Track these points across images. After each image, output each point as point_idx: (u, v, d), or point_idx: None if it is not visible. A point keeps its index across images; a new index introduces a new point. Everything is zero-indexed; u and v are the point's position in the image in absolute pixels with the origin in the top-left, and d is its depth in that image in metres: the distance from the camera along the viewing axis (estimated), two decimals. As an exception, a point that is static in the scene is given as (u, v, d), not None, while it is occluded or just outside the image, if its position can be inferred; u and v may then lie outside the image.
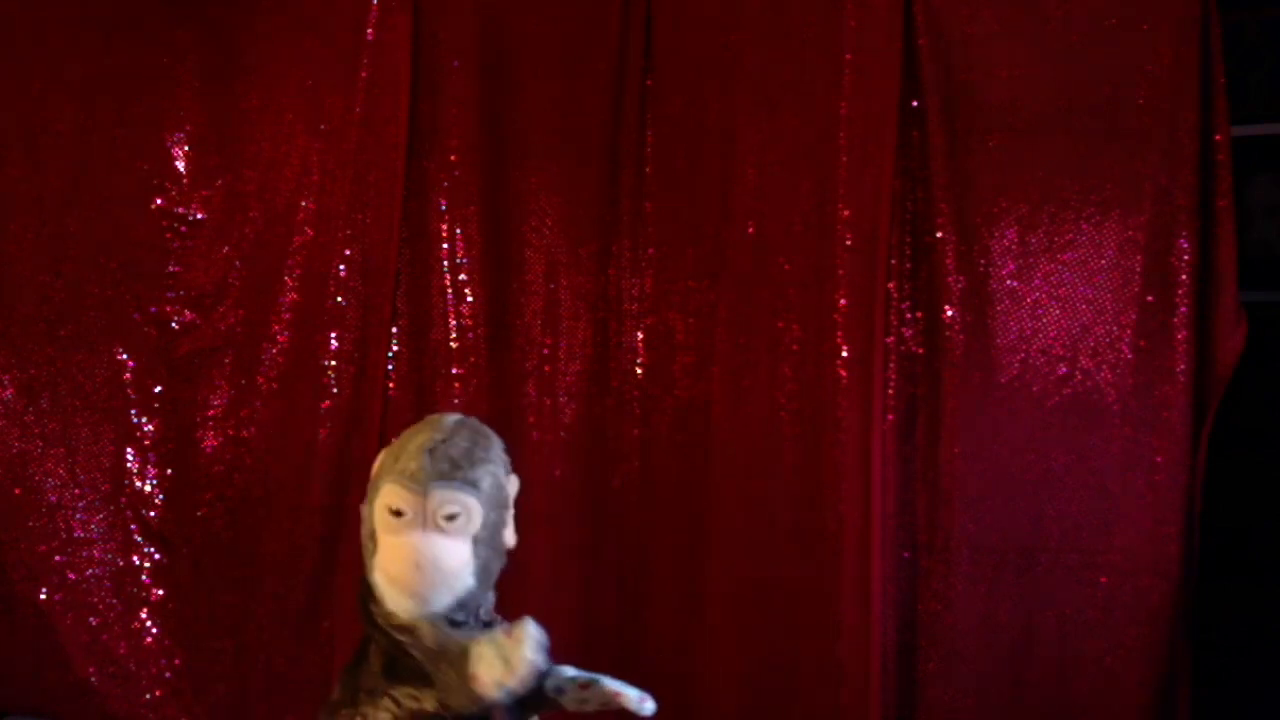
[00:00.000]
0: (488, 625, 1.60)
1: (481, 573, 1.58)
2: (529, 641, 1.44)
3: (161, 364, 2.81)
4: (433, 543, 1.53)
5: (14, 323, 2.69)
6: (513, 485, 1.65)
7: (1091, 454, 2.26)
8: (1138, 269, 2.24)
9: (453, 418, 1.67)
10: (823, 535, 2.34)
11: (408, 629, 1.53)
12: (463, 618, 1.57)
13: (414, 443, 1.58)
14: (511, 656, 1.44)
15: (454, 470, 1.54)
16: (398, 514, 1.54)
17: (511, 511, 1.64)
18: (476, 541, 1.57)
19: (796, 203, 2.41)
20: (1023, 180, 2.29)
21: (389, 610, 1.55)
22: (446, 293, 2.63)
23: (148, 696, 2.72)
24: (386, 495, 1.56)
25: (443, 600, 1.55)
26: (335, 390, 2.68)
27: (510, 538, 1.63)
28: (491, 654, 1.45)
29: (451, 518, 1.53)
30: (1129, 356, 2.24)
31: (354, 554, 2.64)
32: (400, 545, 1.54)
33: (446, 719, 1.51)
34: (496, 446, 1.64)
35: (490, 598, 1.64)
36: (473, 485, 1.55)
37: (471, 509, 1.55)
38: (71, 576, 2.70)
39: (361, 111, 2.66)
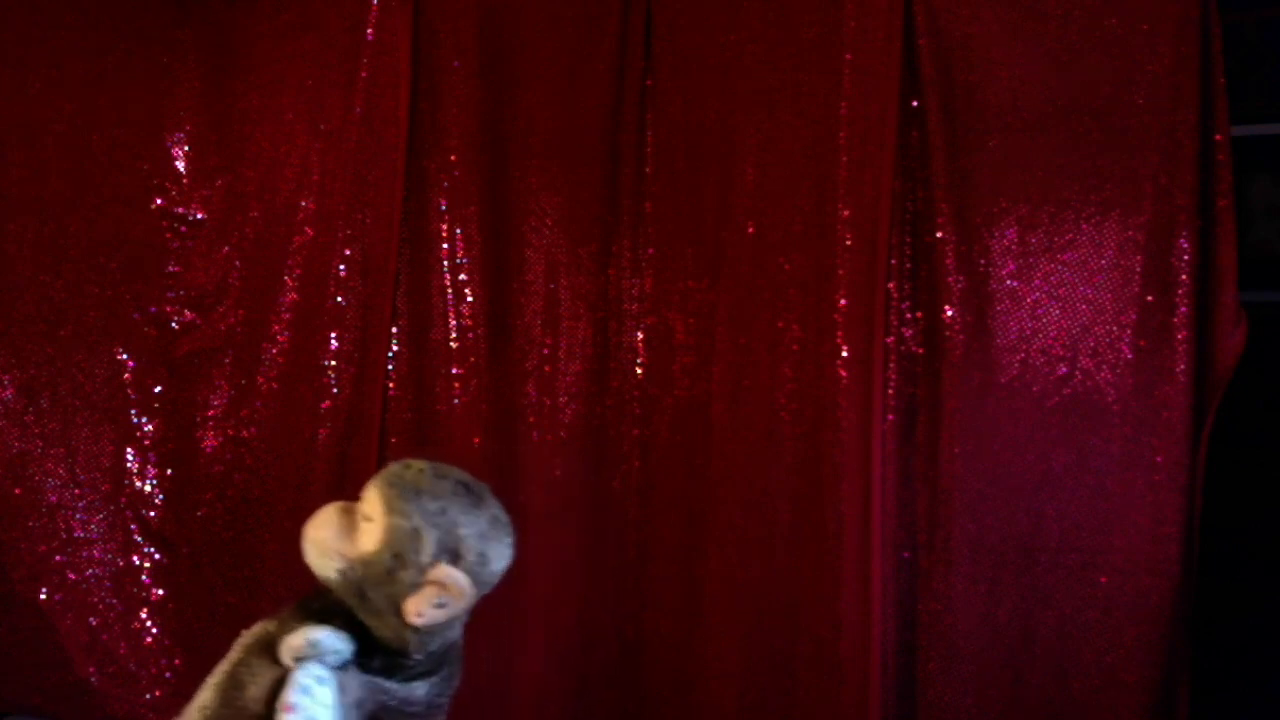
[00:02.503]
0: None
1: (343, 580, 1.54)
2: (288, 645, 1.50)
3: (161, 364, 2.81)
4: (339, 516, 1.58)
5: (14, 323, 2.69)
6: (446, 574, 1.52)
7: (1091, 454, 2.26)
8: (1138, 269, 2.23)
9: (465, 478, 1.60)
10: (823, 535, 2.34)
11: (320, 580, 1.59)
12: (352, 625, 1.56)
13: (428, 464, 1.60)
14: (289, 644, 1.50)
15: (390, 491, 1.55)
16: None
17: (434, 598, 1.52)
18: (357, 557, 1.53)
19: (796, 203, 2.41)
20: (1023, 180, 2.29)
21: None
22: (446, 293, 2.63)
23: (148, 696, 2.72)
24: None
25: (308, 558, 1.58)
26: (335, 390, 2.68)
27: (411, 613, 1.51)
28: (292, 635, 1.51)
29: (367, 518, 1.55)
30: (1129, 356, 2.24)
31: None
32: (334, 504, 1.62)
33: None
34: (459, 521, 1.53)
35: (415, 662, 1.57)
36: (389, 506, 1.53)
37: (373, 527, 1.54)
38: (71, 576, 2.71)
39: (361, 111, 2.66)
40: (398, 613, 1.52)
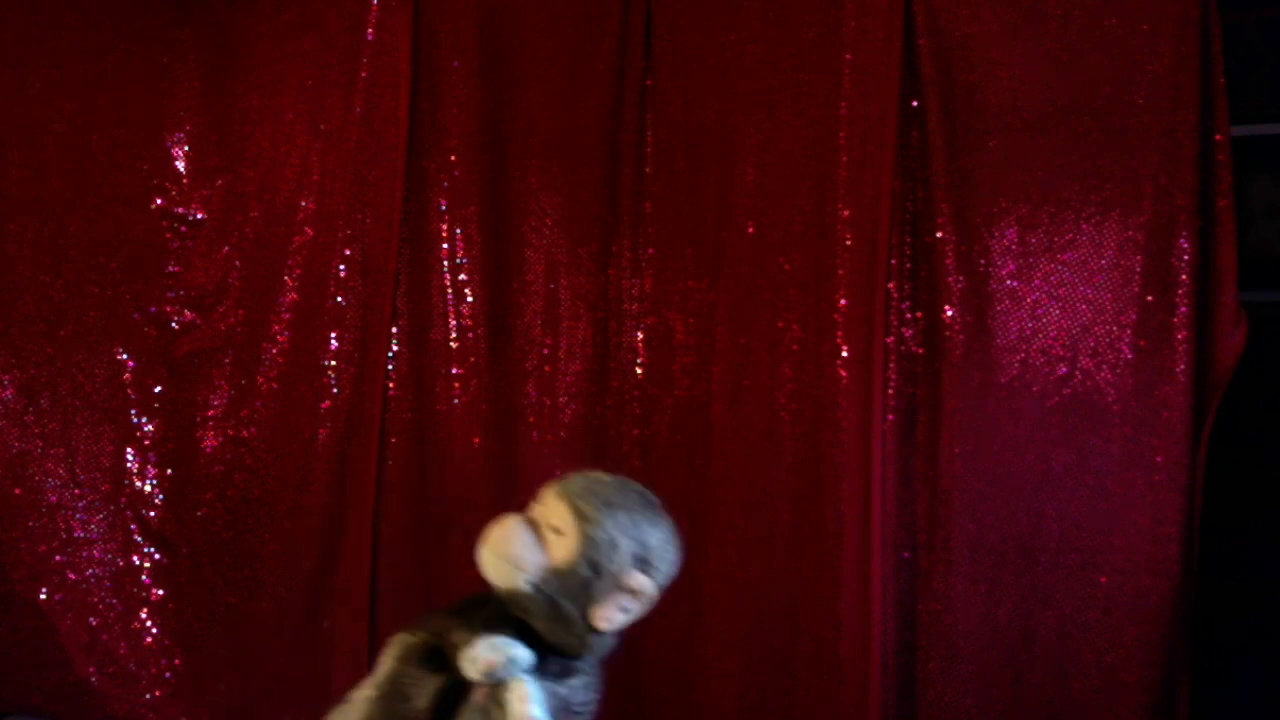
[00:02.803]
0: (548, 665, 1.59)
1: (541, 595, 1.56)
2: (477, 659, 1.51)
3: (161, 364, 2.81)
4: (525, 528, 1.58)
5: (14, 323, 2.69)
6: (638, 581, 1.58)
7: (1091, 454, 2.26)
8: (1138, 269, 2.23)
9: (642, 489, 1.65)
10: (823, 535, 2.34)
11: (504, 592, 1.58)
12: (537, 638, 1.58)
13: (606, 475, 1.65)
14: (479, 658, 1.51)
15: (583, 503, 1.58)
16: (539, 499, 1.62)
17: (623, 603, 1.58)
18: (551, 569, 1.56)
19: (796, 203, 2.41)
20: (1023, 180, 2.29)
21: None
22: (446, 293, 2.63)
23: (148, 696, 2.72)
24: (550, 486, 1.63)
25: (486, 570, 1.58)
26: (335, 390, 2.68)
27: (601, 620, 1.58)
28: (477, 648, 1.52)
29: (555, 530, 1.58)
30: (1129, 356, 2.24)
31: (354, 553, 2.66)
32: (511, 517, 1.61)
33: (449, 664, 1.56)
34: (647, 532, 1.59)
35: (580, 664, 1.62)
36: (585, 518, 1.56)
37: (567, 539, 1.56)
38: (71, 576, 2.71)
39: (361, 111, 2.66)
40: (586, 620, 1.58)
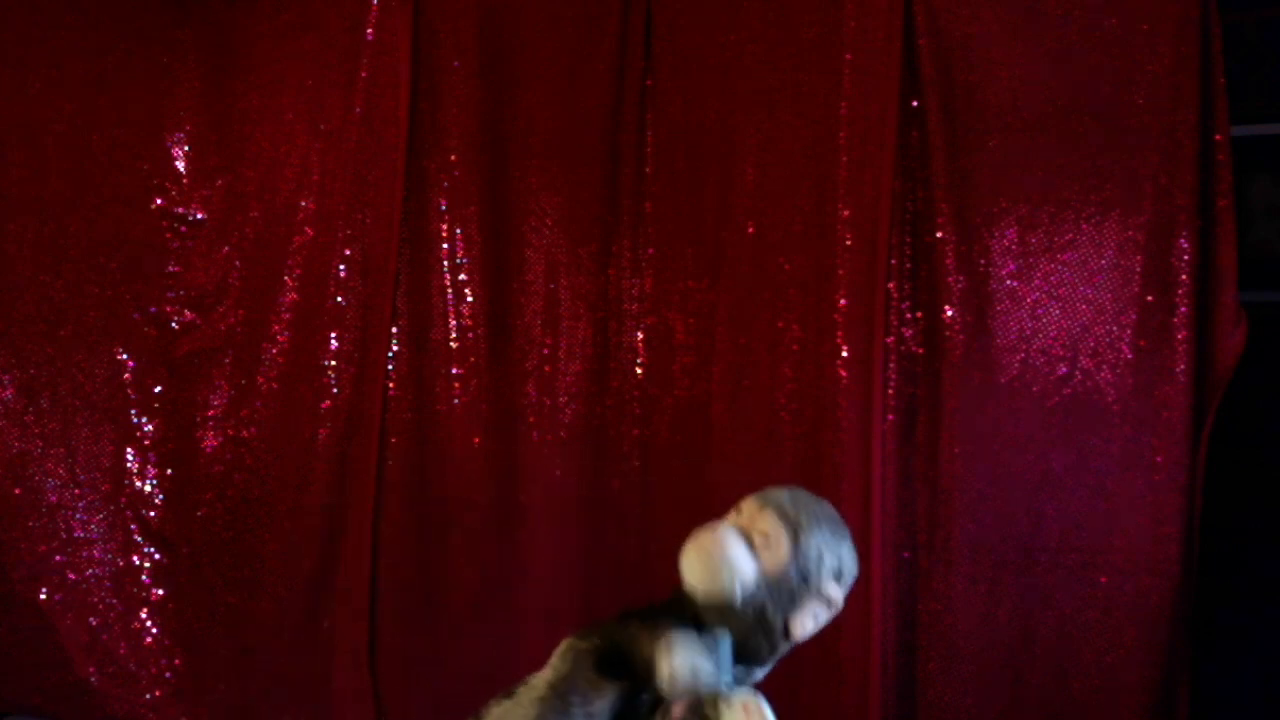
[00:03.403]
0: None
1: (750, 602, 1.57)
2: (677, 676, 1.51)
3: (161, 364, 2.81)
4: (736, 536, 1.60)
5: (14, 323, 2.69)
6: (833, 591, 1.62)
7: (1091, 454, 2.26)
8: (1138, 269, 2.24)
9: (836, 515, 1.69)
10: (823, 535, 2.34)
11: (690, 596, 1.60)
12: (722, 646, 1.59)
13: (802, 490, 1.68)
14: (679, 677, 1.52)
15: (793, 513, 1.61)
16: (738, 510, 1.65)
17: (816, 612, 1.61)
18: (762, 579, 1.57)
19: (796, 203, 2.41)
20: (1023, 180, 2.29)
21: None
22: (446, 293, 2.64)
23: (148, 696, 2.72)
24: (750, 497, 1.66)
25: (696, 576, 1.59)
26: (335, 390, 2.68)
27: (798, 628, 1.61)
28: (677, 666, 1.53)
29: (764, 539, 1.60)
30: (1129, 356, 2.24)
31: (354, 553, 2.66)
32: (719, 524, 1.63)
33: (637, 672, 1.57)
34: (843, 545, 1.64)
35: (755, 673, 1.63)
36: (794, 533, 1.59)
37: (780, 547, 1.59)
38: (71, 576, 2.71)
39: (361, 111, 2.67)
40: (785, 629, 1.60)
